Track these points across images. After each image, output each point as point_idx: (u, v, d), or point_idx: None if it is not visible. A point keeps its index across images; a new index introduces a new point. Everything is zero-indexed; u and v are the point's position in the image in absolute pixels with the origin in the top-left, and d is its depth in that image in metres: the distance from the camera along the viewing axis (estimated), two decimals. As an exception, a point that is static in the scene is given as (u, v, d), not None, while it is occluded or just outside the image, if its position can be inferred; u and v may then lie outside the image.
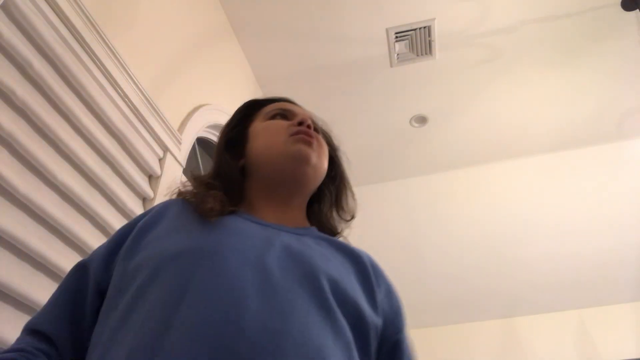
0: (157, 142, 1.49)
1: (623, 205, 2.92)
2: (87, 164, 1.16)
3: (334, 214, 0.82)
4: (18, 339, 0.57)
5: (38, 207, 0.99)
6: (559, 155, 2.98)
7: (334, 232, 0.80)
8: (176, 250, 0.56)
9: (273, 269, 0.55)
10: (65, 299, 0.61)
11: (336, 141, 0.87)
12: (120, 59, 1.33)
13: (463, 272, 3.19)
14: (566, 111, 2.77)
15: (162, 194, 1.40)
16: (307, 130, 0.74)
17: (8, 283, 0.90)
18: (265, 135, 0.76)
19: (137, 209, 1.34)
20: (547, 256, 3.07)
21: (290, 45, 2.39)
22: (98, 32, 1.25)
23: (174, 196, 0.74)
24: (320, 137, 0.78)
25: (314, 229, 0.73)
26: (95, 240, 1.13)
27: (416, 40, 2.38)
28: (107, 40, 1.29)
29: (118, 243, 0.64)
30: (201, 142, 2.01)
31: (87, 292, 0.60)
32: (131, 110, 1.37)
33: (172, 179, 1.47)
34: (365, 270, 0.67)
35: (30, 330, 0.58)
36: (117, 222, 1.23)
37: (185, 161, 1.65)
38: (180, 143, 1.61)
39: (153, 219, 0.66)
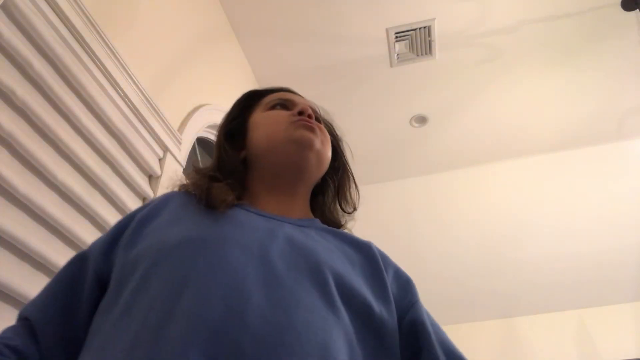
0: (157, 142, 1.49)
1: (623, 205, 2.92)
2: (87, 164, 1.16)
3: (337, 205, 0.81)
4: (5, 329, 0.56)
5: (38, 207, 0.99)
6: (559, 155, 2.97)
7: (337, 224, 0.79)
8: (178, 239, 0.55)
9: (276, 261, 0.54)
10: (60, 287, 0.60)
11: (339, 131, 0.86)
12: (120, 59, 1.34)
13: (463, 271, 3.18)
14: (566, 111, 2.77)
15: (162, 194, 1.40)
16: (307, 119, 0.73)
17: (8, 283, 0.90)
18: (265, 125, 0.74)
19: (137, 209, 1.34)
20: (547, 256, 3.07)
21: (290, 45, 2.39)
22: (98, 32, 1.25)
23: (176, 189, 0.73)
24: (322, 126, 0.76)
25: (317, 221, 0.72)
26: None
27: (416, 40, 2.38)
28: (107, 40, 1.29)
29: (118, 234, 0.63)
30: (201, 142, 2.00)
31: (85, 281, 0.60)
32: (131, 110, 1.37)
33: (172, 179, 1.47)
34: (374, 260, 0.65)
35: (18, 317, 0.57)
36: (117, 222, 1.23)
37: (185, 161, 1.65)
38: (180, 143, 1.61)
39: (154, 210, 0.65)
